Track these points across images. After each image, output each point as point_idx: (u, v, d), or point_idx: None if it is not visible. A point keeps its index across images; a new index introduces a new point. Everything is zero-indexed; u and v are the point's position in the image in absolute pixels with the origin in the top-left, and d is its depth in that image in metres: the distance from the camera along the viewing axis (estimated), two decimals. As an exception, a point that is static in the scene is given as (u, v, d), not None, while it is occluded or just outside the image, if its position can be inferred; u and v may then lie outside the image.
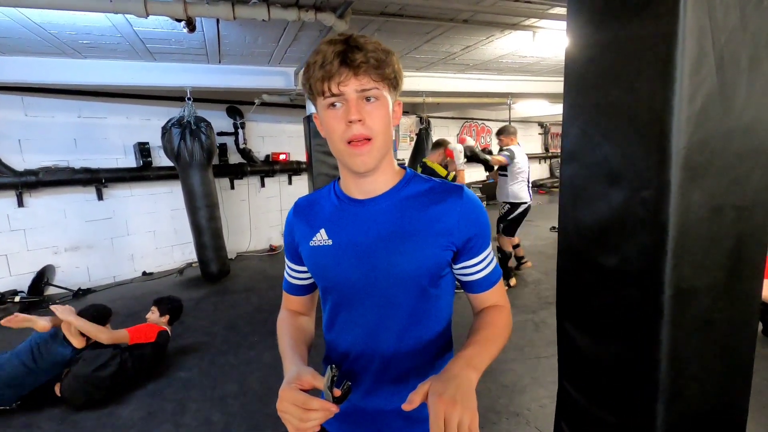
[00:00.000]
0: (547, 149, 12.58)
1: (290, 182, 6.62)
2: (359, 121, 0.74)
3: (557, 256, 1.37)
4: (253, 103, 5.73)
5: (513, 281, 4.27)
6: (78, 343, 2.62)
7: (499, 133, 4.37)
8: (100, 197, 4.89)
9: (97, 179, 4.79)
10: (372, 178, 0.83)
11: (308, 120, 5.01)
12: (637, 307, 1.10)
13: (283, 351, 0.87)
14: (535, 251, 5.59)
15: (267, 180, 6.39)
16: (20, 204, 4.43)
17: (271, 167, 6.25)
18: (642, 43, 1.03)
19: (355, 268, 0.83)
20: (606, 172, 1.15)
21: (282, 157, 6.35)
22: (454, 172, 3.66)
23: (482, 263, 0.88)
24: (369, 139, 0.76)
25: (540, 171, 12.68)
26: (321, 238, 0.87)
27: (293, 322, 0.97)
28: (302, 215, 0.92)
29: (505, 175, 4.26)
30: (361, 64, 0.72)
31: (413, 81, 5.37)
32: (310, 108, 5.06)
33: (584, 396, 1.32)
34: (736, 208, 1.05)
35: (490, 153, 4.34)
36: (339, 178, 0.91)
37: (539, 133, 12.48)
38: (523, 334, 3.22)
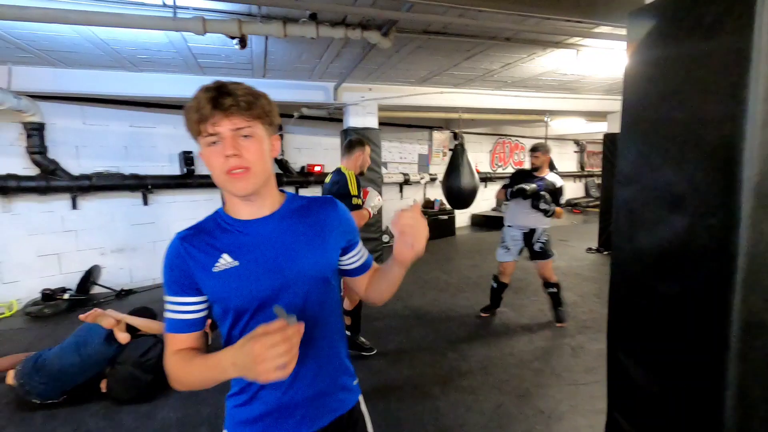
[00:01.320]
0: (582, 167, 12.26)
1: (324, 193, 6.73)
2: (235, 155, 0.83)
3: (610, 281, 1.33)
4: (292, 116, 5.90)
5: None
6: (124, 339, 2.77)
7: (535, 149, 3.84)
8: (145, 202, 5.13)
9: (144, 185, 5.02)
10: (259, 201, 0.92)
11: (345, 133, 5.11)
12: (701, 340, 1.04)
13: (204, 365, 0.85)
14: (570, 273, 5.42)
15: (301, 190, 6.52)
16: (74, 206, 4.70)
17: (306, 178, 6.38)
18: (712, 62, 1.00)
19: (267, 280, 0.90)
20: (667, 196, 1.11)
21: (317, 168, 6.47)
22: (361, 201, 2.86)
23: (359, 252, 1.08)
24: (247, 169, 0.84)
25: (575, 190, 12.36)
26: (225, 261, 0.89)
27: (190, 355, 0.90)
28: (194, 243, 0.90)
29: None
30: (231, 107, 0.81)
31: (450, 97, 5.39)
32: (348, 122, 5.17)
33: (637, 429, 1.26)
34: (814, 240, 0.99)
35: (554, 196, 3.62)
36: (222, 207, 0.97)
37: (575, 151, 12.19)
38: (561, 360, 3.11)
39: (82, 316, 2.78)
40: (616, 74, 4.51)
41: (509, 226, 3.82)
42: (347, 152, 2.95)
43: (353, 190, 2.77)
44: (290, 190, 6.40)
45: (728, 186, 0.98)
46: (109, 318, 2.76)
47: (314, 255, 0.94)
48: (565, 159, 11.71)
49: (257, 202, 0.92)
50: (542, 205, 3.52)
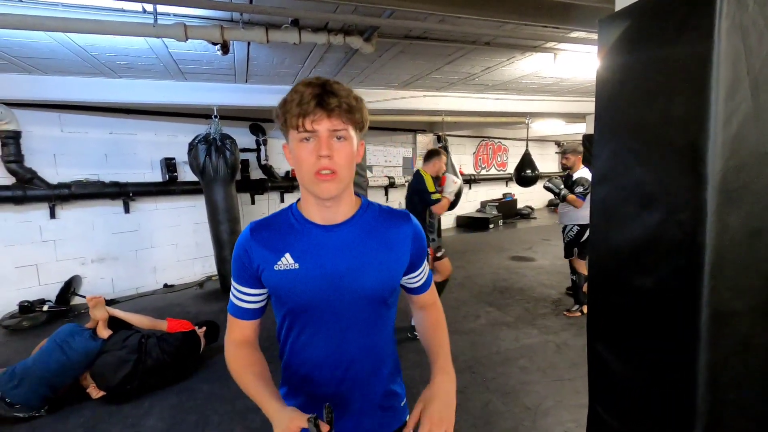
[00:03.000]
0: (564, 168, 12.49)
1: (309, 198, 6.72)
2: (328, 156, 0.82)
3: (588, 277, 1.38)
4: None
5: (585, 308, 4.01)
6: (106, 334, 2.85)
7: (564, 152, 4.21)
8: (127, 210, 5.04)
9: (125, 192, 4.94)
10: (335, 207, 0.91)
11: (329, 138, 5.13)
12: (674, 330, 1.09)
13: (255, 390, 0.89)
14: (553, 271, 5.53)
15: (286, 195, 6.50)
16: (52, 216, 4.59)
17: (290, 183, 6.36)
18: (676, 66, 1.06)
19: (323, 291, 0.90)
20: (640, 194, 1.16)
21: (302, 173, 6.47)
22: (440, 195, 3.43)
23: (423, 272, 1.07)
24: (334, 172, 0.84)
25: (557, 190, 12.57)
26: (287, 262, 0.90)
27: (249, 356, 0.97)
28: (260, 239, 0.93)
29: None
30: (335, 108, 0.81)
31: (433, 100, 5.45)
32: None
33: (617, 420, 1.30)
34: (774, 232, 1.05)
35: (570, 185, 4.01)
36: (297, 202, 0.97)
37: (556, 152, 12.43)
38: (545, 356, 3.17)
39: (88, 298, 2.92)
40: (593, 77, 4.63)
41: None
42: (427, 160, 3.61)
43: (430, 188, 3.40)
44: (275, 195, 6.39)
45: (695, 183, 1.04)
46: (102, 310, 2.88)
47: (379, 274, 0.93)
48: (547, 160, 11.93)
49: (333, 208, 0.91)
50: (546, 184, 4.05)
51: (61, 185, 4.54)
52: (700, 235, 1.02)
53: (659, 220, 1.11)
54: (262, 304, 1.00)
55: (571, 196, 3.91)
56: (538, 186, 4.64)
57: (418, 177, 3.49)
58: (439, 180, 3.55)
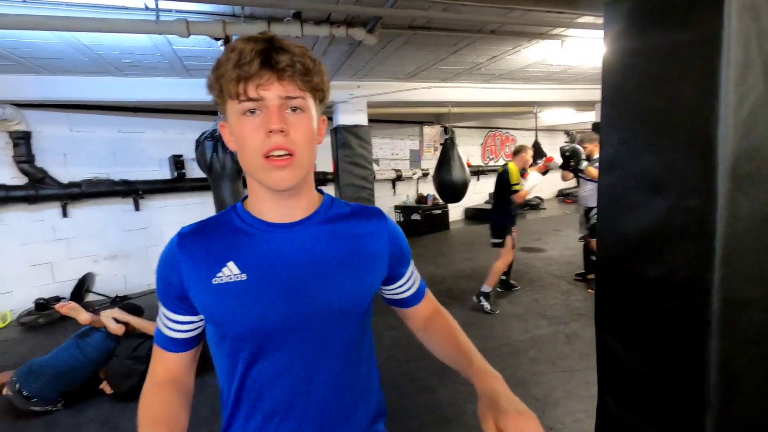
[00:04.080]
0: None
1: (316, 192, 6.73)
2: (281, 131, 0.63)
3: (596, 265, 1.36)
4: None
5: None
6: (117, 329, 2.86)
7: (583, 140, 4.45)
8: (137, 208, 5.11)
9: (135, 191, 5.00)
10: (293, 200, 0.72)
11: (335, 131, 5.11)
12: (684, 319, 1.08)
13: None
14: (563, 261, 5.48)
15: (294, 190, 6.52)
16: (64, 214, 4.67)
17: (298, 178, 6.38)
18: (685, 50, 1.03)
19: (281, 304, 0.69)
20: (648, 181, 1.14)
21: (308, 167, 6.47)
22: (521, 186, 3.94)
23: (411, 278, 0.88)
24: (291, 154, 0.65)
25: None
26: (230, 272, 0.69)
27: (164, 406, 0.74)
28: (192, 248, 0.71)
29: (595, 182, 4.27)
30: (287, 68, 0.63)
31: (438, 92, 5.40)
32: (337, 120, 5.17)
33: (627, 411, 1.29)
34: (788, 218, 1.02)
35: (587, 159, 4.31)
36: (242, 201, 0.77)
37: (565, 141, 12.27)
38: (555, 347, 3.16)
39: (57, 306, 2.87)
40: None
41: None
42: (515, 155, 4.22)
43: (514, 180, 3.93)
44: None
45: (705, 168, 1.01)
46: (83, 314, 2.84)
47: (352, 281, 0.74)
48: (556, 150, 11.78)
49: (291, 202, 0.72)
50: (566, 147, 4.40)
51: (72, 184, 4.60)
52: (711, 222, 0.99)
53: (668, 208, 1.08)
54: (195, 333, 0.76)
55: (591, 168, 4.09)
56: (547, 176, 4.67)
57: (505, 169, 4.04)
58: (523, 173, 4.13)
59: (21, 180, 4.37)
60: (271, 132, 0.63)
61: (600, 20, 2.98)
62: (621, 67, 1.21)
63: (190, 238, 0.72)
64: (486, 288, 3.93)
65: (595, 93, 6.14)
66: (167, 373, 0.77)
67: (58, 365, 2.60)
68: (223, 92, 0.65)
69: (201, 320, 0.75)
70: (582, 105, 7.08)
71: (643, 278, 1.17)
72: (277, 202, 0.72)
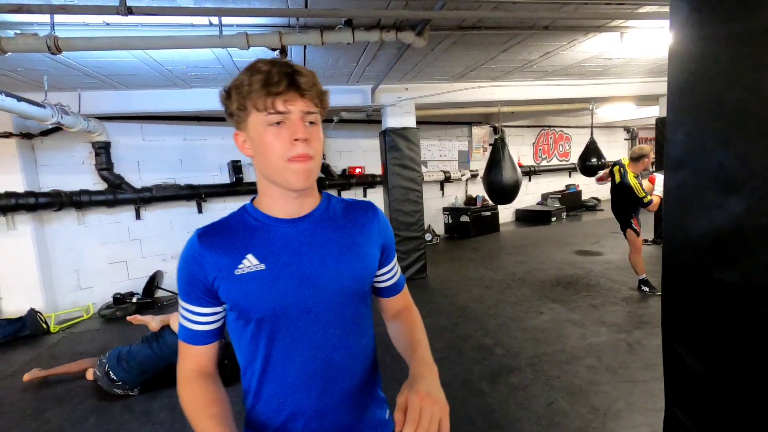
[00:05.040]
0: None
1: (365, 195, 6.85)
2: (305, 140, 0.75)
3: (662, 270, 1.28)
4: (332, 120, 6.06)
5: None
6: (154, 328, 3.02)
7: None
8: (200, 210, 5.47)
9: (198, 194, 5.36)
10: (302, 198, 0.83)
11: (384, 134, 5.17)
12: (761, 329, 0.99)
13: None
14: (623, 266, 5.16)
15: (344, 193, 6.67)
16: (138, 217, 5.10)
17: (347, 180, 6.53)
18: (762, 36, 0.95)
19: (297, 288, 0.80)
20: (721, 179, 1.06)
21: (358, 170, 6.61)
22: (650, 196, 3.93)
23: (394, 269, 0.99)
24: (311, 158, 0.77)
25: (627, 179, 11.69)
26: (250, 263, 0.79)
27: (206, 394, 0.81)
28: (212, 245, 0.80)
29: None
30: (308, 89, 0.75)
31: (488, 91, 5.31)
32: (386, 123, 5.23)
33: (698, 425, 1.20)
34: None
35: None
36: (251, 201, 0.87)
37: (625, 139, 11.57)
38: (616, 355, 2.98)
39: (129, 318, 3.08)
40: (666, 55, 4.24)
41: None
42: (634, 161, 4.13)
43: (640, 194, 3.98)
44: (333, 192, 6.59)
45: (788, 165, 0.93)
46: (152, 323, 3.02)
47: (353, 264, 0.85)
48: (615, 147, 11.14)
49: (299, 200, 0.83)
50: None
51: (144, 189, 5.03)
52: (796, 223, 0.91)
53: (745, 208, 1.00)
54: (219, 324, 0.85)
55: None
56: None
57: (624, 179, 4.09)
58: (645, 178, 4.20)
59: (101, 186, 4.84)
60: (296, 140, 0.74)
61: (664, 9, 2.80)
62: (690, 56, 1.13)
63: (209, 235, 0.81)
64: (641, 276, 4.20)
65: (658, 86, 5.75)
66: (197, 366, 0.84)
67: (138, 359, 2.87)
68: (246, 106, 0.76)
69: (224, 310, 0.84)
70: (644, 99, 6.65)
71: (716, 284, 1.08)
72: (288, 200, 0.83)
